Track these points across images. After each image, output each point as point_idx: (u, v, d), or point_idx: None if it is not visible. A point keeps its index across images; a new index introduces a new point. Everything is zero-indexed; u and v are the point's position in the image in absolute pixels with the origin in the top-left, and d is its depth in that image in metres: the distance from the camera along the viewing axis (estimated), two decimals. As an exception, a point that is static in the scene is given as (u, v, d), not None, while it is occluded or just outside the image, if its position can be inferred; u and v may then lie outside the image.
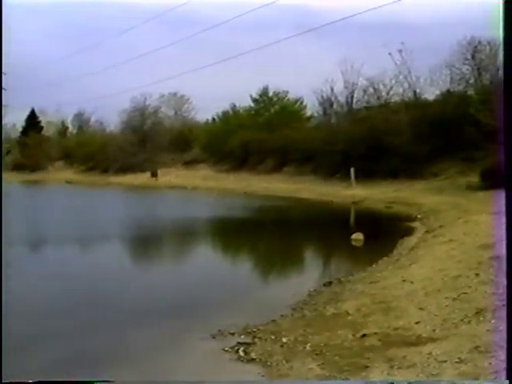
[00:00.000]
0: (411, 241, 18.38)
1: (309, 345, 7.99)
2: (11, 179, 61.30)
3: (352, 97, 50.14)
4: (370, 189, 36.47)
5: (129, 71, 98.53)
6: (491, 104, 26.04)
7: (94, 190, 56.97)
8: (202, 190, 50.67)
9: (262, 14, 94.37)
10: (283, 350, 7.96)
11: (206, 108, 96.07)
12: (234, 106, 69.01)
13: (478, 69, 39.40)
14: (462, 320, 8.13)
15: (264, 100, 64.37)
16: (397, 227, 22.31)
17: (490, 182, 24.87)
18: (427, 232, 19.72)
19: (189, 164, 66.93)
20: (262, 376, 7.13)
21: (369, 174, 38.57)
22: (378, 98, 47.86)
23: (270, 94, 64.01)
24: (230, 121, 66.50)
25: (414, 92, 45.79)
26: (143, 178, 64.40)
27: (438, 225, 20.65)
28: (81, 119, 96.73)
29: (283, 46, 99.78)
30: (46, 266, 15.99)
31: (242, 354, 7.96)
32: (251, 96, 64.80)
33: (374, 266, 14.40)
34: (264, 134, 55.79)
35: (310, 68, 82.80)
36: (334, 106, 52.02)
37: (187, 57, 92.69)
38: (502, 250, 5.29)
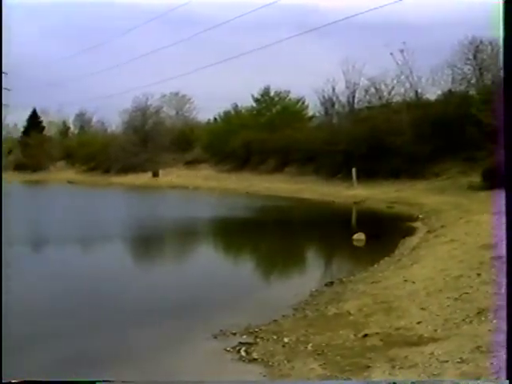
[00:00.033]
0: (413, 241, 18.37)
1: (310, 345, 7.99)
2: (13, 179, 61.39)
3: (354, 97, 50.19)
4: (371, 189, 36.47)
5: (130, 71, 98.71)
6: (493, 104, 26.02)
7: (95, 190, 56.97)
8: (203, 189, 50.69)
9: (263, 13, 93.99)
10: (285, 350, 7.96)
11: (207, 108, 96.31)
12: (236, 105, 69.15)
13: (480, 69, 39.39)
14: (463, 320, 8.13)
15: (266, 100, 64.39)
16: (398, 227, 22.30)
17: (491, 182, 24.83)
18: (429, 232, 19.72)
19: (190, 164, 66.93)
20: (264, 376, 7.13)
21: (370, 174, 38.58)
22: (380, 98, 47.86)
23: (272, 93, 64.06)
24: (232, 121, 66.51)
25: (416, 92, 45.80)
26: (145, 178, 64.46)
27: (440, 225, 20.65)
28: (82, 119, 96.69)
29: (285, 45, 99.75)
30: (48, 266, 15.98)
31: (243, 354, 7.96)
32: (253, 96, 64.95)
33: (375, 266, 14.40)
34: (266, 133, 55.80)
35: (311, 68, 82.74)
36: (336, 105, 52.07)
37: (189, 57, 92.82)
38: (504, 250, 5.29)
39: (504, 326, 5.30)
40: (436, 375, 6.26)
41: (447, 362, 6.57)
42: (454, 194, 29.15)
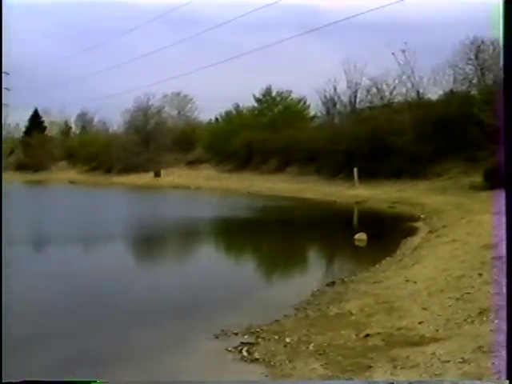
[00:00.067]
0: (414, 241, 18.37)
1: (312, 345, 8.00)
2: (14, 179, 61.46)
3: (355, 97, 50.26)
4: (373, 189, 36.48)
5: (132, 71, 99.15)
6: (494, 104, 26.01)
7: (97, 190, 56.98)
8: (205, 189, 50.70)
9: (264, 14, 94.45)
10: (286, 350, 7.96)
11: (209, 108, 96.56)
12: (237, 105, 69.26)
13: (482, 69, 39.39)
14: (465, 320, 8.13)
15: (267, 100, 64.40)
16: (400, 227, 22.30)
17: (493, 182, 24.82)
18: (430, 232, 19.72)
19: (192, 164, 66.98)
20: (266, 376, 7.14)
21: (372, 173, 38.58)
22: (381, 97, 47.86)
23: (273, 93, 64.09)
24: (233, 121, 66.54)
25: (417, 92, 45.82)
26: (146, 177, 64.48)
27: (442, 225, 20.65)
28: (84, 119, 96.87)
29: (286, 45, 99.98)
30: (50, 266, 15.99)
31: (245, 354, 7.97)
32: (254, 96, 65.00)
33: (377, 265, 14.40)
34: (267, 133, 55.83)
35: (312, 68, 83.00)
36: (337, 105, 52.12)
37: (190, 57, 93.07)
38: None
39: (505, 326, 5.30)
40: (438, 375, 6.27)
41: (449, 362, 6.57)
42: (456, 194, 29.15)
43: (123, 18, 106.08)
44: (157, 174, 65.31)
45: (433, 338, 7.62)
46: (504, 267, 5.42)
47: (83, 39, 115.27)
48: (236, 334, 8.85)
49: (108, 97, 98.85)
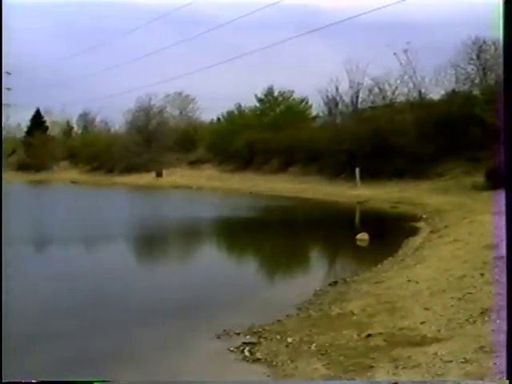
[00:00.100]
0: (416, 241, 18.37)
1: (314, 345, 8.00)
2: (16, 179, 61.51)
3: (357, 97, 50.24)
4: (375, 189, 36.47)
5: (134, 71, 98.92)
6: (496, 104, 25.98)
7: (98, 190, 56.99)
8: (206, 189, 50.70)
9: (266, 13, 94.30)
10: (288, 349, 7.96)
11: (211, 108, 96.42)
12: (239, 105, 69.20)
13: (483, 69, 39.36)
14: (467, 320, 8.13)
15: (269, 100, 64.42)
16: (402, 227, 22.31)
17: (495, 182, 24.80)
18: (432, 232, 19.71)
19: (194, 164, 66.97)
20: (268, 376, 7.14)
21: (374, 173, 38.57)
22: (383, 97, 47.87)
23: (276, 93, 64.10)
24: (235, 121, 66.55)
25: (419, 92, 45.81)
26: (148, 177, 64.47)
27: (443, 225, 20.64)
28: (86, 119, 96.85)
29: (288, 45, 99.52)
30: (51, 266, 15.99)
31: (247, 353, 7.97)
32: (256, 96, 65.01)
33: (379, 266, 14.40)
34: (269, 133, 55.82)
35: (315, 68, 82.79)
36: (339, 105, 52.11)
37: (192, 57, 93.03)
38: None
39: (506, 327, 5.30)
40: (440, 375, 6.27)
41: (451, 362, 6.57)
42: (458, 194, 29.14)
43: (125, 17, 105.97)
44: (158, 174, 65.29)
45: (435, 338, 7.61)
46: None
47: (84, 39, 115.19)
48: (238, 333, 8.85)
49: (110, 97, 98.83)
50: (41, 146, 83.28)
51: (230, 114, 70.34)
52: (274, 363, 7.48)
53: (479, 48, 39.19)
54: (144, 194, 50.27)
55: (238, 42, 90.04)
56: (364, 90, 49.63)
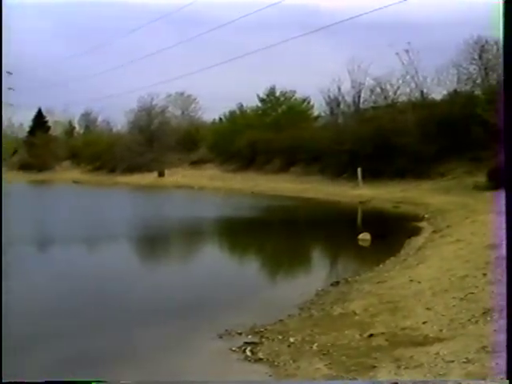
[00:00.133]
0: (418, 241, 18.35)
1: (316, 345, 7.99)
2: (18, 179, 61.56)
3: (359, 96, 50.13)
4: (377, 189, 36.44)
5: (136, 71, 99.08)
6: (498, 104, 25.97)
7: (101, 190, 57.00)
8: (208, 189, 50.71)
9: (268, 13, 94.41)
10: (290, 349, 7.96)
11: (212, 108, 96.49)
12: (241, 105, 69.18)
13: (485, 68, 39.29)
14: (469, 320, 8.12)
15: (271, 100, 64.39)
16: (404, 227, 22.28)
17: (497, 182, 24.76)
18: (434, 232, 19.69)
19: (196, 164, 66.98)
20: (270, 376, 7.14)
21: (376, 173, 38.54)
22: (385, 97, 47.80)
23: (277, 93, 64.06)
24: (237, 121, 66.54)
25: (421, 92, 45.76)
26: (150, 177, 64.49)
27: (446, 225, 20.61)
28: (88, 119, 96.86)
29: (290, 45, 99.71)
30: (53, 266, 16.00)
31: (249, 353, 7.96)
32: (258, 96, 64.96)
33: (381, 265, 14.38)
34: (271, 133, 55.79)
35: (316, 68, 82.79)
36: (341, 105, 52.00)
37: (194, 57, 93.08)
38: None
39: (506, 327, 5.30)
40: (442, 375, 6.26)
41: (453, 362, 6.56)
42: (460, 193, 29.11)
43: (126, 18, 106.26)
44: (160, 174, 65.32)
45: (437, 338, 7.61)
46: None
47: (86, 39, 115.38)
48: (240, 333, 8.85)
49: (112, 96, 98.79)
50: (43, 146, 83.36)
51: (231, 113, 70.34)
52: (275, 363, 7.47)
53: (481, 48, 39.13)
54: (146, 194, 50.30)
55: (239, 42, 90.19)
56: (366, 89, 49.58)
